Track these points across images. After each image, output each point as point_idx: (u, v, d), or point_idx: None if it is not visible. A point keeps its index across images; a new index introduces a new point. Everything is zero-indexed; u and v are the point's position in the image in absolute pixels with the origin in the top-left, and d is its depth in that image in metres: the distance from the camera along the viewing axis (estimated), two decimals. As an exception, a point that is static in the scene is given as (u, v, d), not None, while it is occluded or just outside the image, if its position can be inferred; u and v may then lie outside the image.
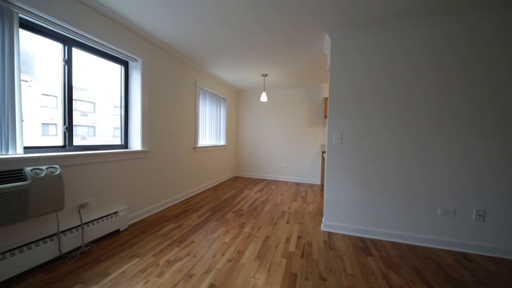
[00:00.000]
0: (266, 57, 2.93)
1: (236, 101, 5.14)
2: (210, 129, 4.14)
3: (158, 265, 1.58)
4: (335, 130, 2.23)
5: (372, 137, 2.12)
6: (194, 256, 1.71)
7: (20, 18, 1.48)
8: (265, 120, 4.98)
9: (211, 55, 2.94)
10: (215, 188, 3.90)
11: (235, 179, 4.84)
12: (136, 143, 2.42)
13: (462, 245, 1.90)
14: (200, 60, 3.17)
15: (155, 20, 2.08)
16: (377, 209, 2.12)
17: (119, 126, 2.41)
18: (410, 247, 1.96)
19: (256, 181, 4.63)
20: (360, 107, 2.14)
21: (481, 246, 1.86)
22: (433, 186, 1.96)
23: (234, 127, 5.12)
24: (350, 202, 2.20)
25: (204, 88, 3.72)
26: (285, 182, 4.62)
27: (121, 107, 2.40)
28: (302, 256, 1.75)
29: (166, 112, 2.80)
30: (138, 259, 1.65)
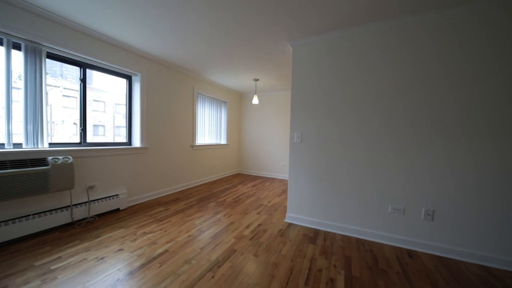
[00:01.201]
0: (250, 64, 3.24)
1: (238, 103, 5.53)
2: (210, 129, 4.61)
3: (135, 234, 2.05)
4: (296, 130, 2.43)
5: (328, 137, 2.26)
6: (165, 231, 2.14)
7: (48, 52, 2.12)
8: (264, 121, 5.26)
9: (203, 65, 3.38)
10: (213, 183, 4.35)
11: (236, 175, 5.23)
12: (137, 141, 3.00)
13: (409, 242, 1.93)
14: (196, 70, 3.64)
15: (147, 42, 2.59)
16: (332, 204, 2.26)
17: (125, 127, 3.02)
18: (359, 240, 2.06)
19: (254, 178, 4.95)
20: (317, 109, 2.31)
21: (428, 245, 1.87)
22: (385, 184, 2.03)
23: (236, 128, 5.52)
24: (309, 197, 2.38)
25: (202, 93, 4.20)
26: (281, 180, 4.83)
27: (126, 112, 3.00)
28: (251, 239, 2.04)
29: (163, 115, 3.33)
30: (124, 229, 2.16)
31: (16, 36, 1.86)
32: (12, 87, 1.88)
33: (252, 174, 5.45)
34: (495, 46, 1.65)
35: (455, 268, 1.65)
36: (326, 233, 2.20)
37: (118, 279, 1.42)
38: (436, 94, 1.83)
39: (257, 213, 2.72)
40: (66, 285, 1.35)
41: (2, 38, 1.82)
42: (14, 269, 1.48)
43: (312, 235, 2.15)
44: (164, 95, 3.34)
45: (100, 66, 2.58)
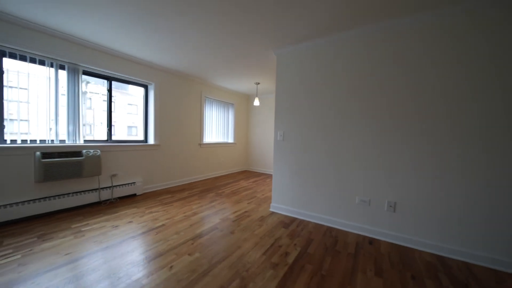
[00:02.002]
0: (248, 70, 3.62)
1: (246, 105, 5.94)
2: (217, 129, 5.09)
3: (144, 213, 2.57)
4: (279, 129, 2.73)
5: (306, 136, 2.52)
6: (166, 212, 2.63)
7: (84, 70, 2.77)
8: (268, 121, 5.58)
9: (208, 73, 3.86)
10: (218, 178, 4.82)
11: (243, 172, 5.64)
12: (151, 139, 3.59)
13: (373, 231, 2.10)
14: (203, 77, 4.14)
15: (159, 57, 3.14)
16: (309, 196, 2.51)
17: (143, 127, 3.63)
18: (328, 228, 2.29)
19: (259, 175, 5.29)
20: (296, 112, 2.58)
21: (389, 234, 2.02)
22: (353, 178, 2.22)
23: (244, 127, 5.93)
24: (290, 189, 2.65)
25: (210, 97, 4.69)
26: (284, 177, 5.09)
27: (143, 114, 3.61)
28: (233, 221, 2.40)
29: (174, 117, 3.89)
30: (136, 208, 2.70)
31: (61, 60, 2.52)
32: (59, 98, 2.54)
33: (258, 171, 5.80)
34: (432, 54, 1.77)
35: (407, 255, 1.80)
36: (301, 221, 2.46)
37: (123, 240, 1.91)
38: (399, 100, 1.99)
39: (248, 203, 3.08)
40: (89, 239, 1.88)
41: (52, 62, 2.48)
42: (57, 228, 2.08)
43: (288, 222, 2.43)
44: (175, 99, 3.89)
45: (123, 78, 3.20)
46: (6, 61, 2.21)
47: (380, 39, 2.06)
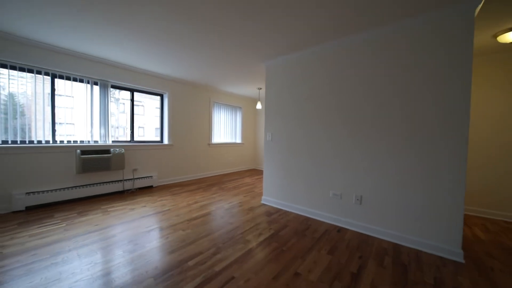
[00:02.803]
0: (248, 77, 4.03)
1: (253, 108, 6.35)
2: (226, 130, 5.59)
3: (156, 200, 3.14)
4: (268, 131, 3.08)
5: (290, 137, 2.84)
6: (174, 200, 3.16)
7: (112, 84, 3.45)
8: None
9: (215, 81, 4.36)
10: (225, 175, 5.30)
11: (250, 170, 6.05)
12: (166, 139, 4.20)
13: (343, 221, 2.35)
14: (211, 84, 4.66)
15: (172, 71, 3.72)
16: (292, 190, 2.82)
17: (159, 129, 4.27)
18: (306, 218, 2.58)
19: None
20: (283, 115, 2.91)
21: (356, 224, 2.26)
22: (329, 174, 2.49)
23: (252, 129, 6.35)
24: (277, 183, 2.99)
25: (218, 101, 5.21)
26: (286, 176, 5.38)
27: (159, 118, 4.25)
28: (226, 209, 2.83)
29: (185, 120, 4.47)
30: (150, 197, 3.29)
31: (95, 78, 3.21)
32: (94, 107, 3.24)
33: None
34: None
35: (366, 241, 2.04)
36: (285, 212, 2.79)
37: (136, 218, 2.46)
38: (359, 107, 2.23)
39: (244, 196, 3.49)
40: (112, 217, 2.47)
41: (89, 80, 3.18)
42: (91, 208, 2.73)
43: (273, 212, 2.78)
44: (186, 105, 4.47)
45: (142, 89, 3.85)
46: (57, 81, 2.94)
47: (343, 52, 2.31)
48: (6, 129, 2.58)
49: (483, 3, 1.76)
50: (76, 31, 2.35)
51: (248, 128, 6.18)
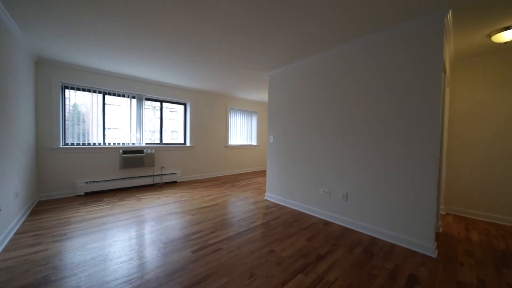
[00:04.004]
0: (257, 86, 4.47)
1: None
2: (242, 133, 6.09)
3: (177, 193, 3.78)
4: (271, 134, 3.45)
5: (289, 140, 3.16)
6: (191, 193, 3.75)
7: (145, 97, 4.25)
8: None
9: (230, 90, 4.91)
10: (240, 174, 5.79)
11: (265, 171, 6.43)
12: (188, 142, 4.89)
13: (331, 216, 2.57)
14: (227, 93, 5.23)
15: (193, 83, 4.39)
16: (289, 187, 3.13)
17: (183, 133, 4.99)
18: (300, 212, 2.86)
19: (277, 174, 5.98)
20: (283, 120, 3.25)
21: (342, 219, 2.46)
22: (319, 173, 2.74)
23: (267, 132, 6.72)
24: (277, 181, 3.33)
25: (234, 107, 5.76)
26: (298, 176, 5.61)
27: (183, 123, 4.97)
28: (232, 202, 3.28)
29: (204, 125, 5.11)
30: (174, 190, 3.95)
31: (133, 93, 4.03)
32: (131, 116, 4.05)
33: (278, 170, 6.48)
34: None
35: (346, 233, 2.25)
36: (282, 206, 3.11)
37: (161, 204, 3.08)
38: (348, 114, 2.45)
39: (251, 192, 3.90)
40: (143, 203, 3.14)
41: (128, 95, 4.02)
42: (128, 196, 3.48)
43: (272, 206, 3.13)
44: (205, 112, 5.12)
45: (169, 100, 4.61)
46: (107, 97, 3.82)
47: (334, 61, 2.56)
48: (72, 133, 3.50)
49: (451, 13, 1.87)
50: (122, 61, 3.12)
51: (263, 131, 6.59)
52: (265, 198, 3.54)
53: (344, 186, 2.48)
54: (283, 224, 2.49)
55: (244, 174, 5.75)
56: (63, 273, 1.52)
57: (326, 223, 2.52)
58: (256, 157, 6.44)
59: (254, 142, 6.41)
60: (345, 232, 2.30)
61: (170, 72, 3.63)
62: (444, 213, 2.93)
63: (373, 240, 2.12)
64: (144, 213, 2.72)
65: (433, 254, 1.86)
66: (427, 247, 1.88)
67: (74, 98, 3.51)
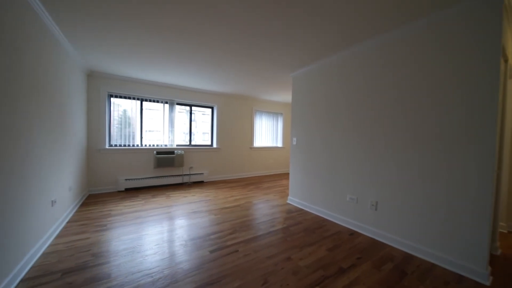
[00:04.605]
0: (282, 87, 4.42)
1: (295, 113, 6.57)
2: (267, 135, 6.07)
3: (203, 192, 3.95)
4: (294, 136, 3.35)
5: (312, 142, 3.02)
6: (216, 193, 3.88)
7: (177, 102, 4.57)
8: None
9: (255, 92, 4.96)
10: (265, 176, 5.76)
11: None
12: (215, 143, 5.09)
13: (357, 225, 2.35)
14: (252, 95, 5.29)
15: (220, 87, 4.56)
16: (313, 192, 2.98)
17: (209, 135, 5.21)
18: (324, 219, 2.70)
19: (303, 177, 5.78)
20: (306, 121, 3.13)
21: (370, 230, 2.22)
22: (345, 178, 2.54)
23: (293, 134, 6.57)
24: (300, 185, 3.20)
25: (259, 109, 5.78)
26: (326, 180, 5.32)
27: (210, 126, 5.19)
28: (253, 204, 3.28)
29: (230, 127, 5.25)
30: (200, 189, 4.15)
31: (166, 99, 4.38)
32: (164, 120, 4.41)
33: (305, 173, 6.26)
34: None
35: (375, 247, 2.03)
36: (305, 211, 2.98)
37: (187, 202, 3.26)
38: (379, 112, 2.22)
39: (274, 195, 3.84)
40: (172, 200, 3.37)
41: (162, 100, 4.38)
42: (160, 193, 3.77)
43: (294, 210, 3.03)
44: (231, 114, 5.26)
45: (198, 104, 4.87)
46: (144, 103, 4.23)
47: (356, 57, 2.35)
48: (115, 136, 3.98)
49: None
50: (158, 70, 3.42)
51: (289, 132, 6.45)
52: (288, 201, 3.45)
53: (373, 194, 2.25)
54: (304, 230, 2.38)
55: (268, 176, 5.71)
56: (99, 261, 1.72)
57: (352, 233, 2.32)
58: (281, 159, 6.33)
59: (279, 144, 6.32)
60: (373, 244, 2.08)
61: (198, 77, 3.83)
62: (506, 231, 2.42)
63: (408, 257, 1.87)
64: (172, 210, 2.92)
65: (486, 281, 1.54)
66: (478, 272, 1.57)
67: (118, 105, 3.99)
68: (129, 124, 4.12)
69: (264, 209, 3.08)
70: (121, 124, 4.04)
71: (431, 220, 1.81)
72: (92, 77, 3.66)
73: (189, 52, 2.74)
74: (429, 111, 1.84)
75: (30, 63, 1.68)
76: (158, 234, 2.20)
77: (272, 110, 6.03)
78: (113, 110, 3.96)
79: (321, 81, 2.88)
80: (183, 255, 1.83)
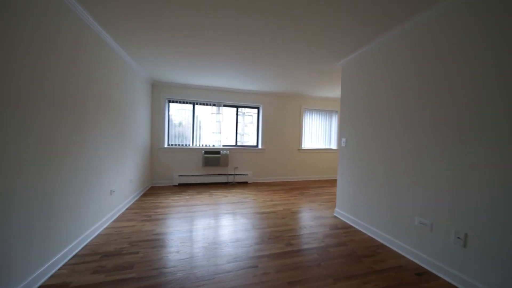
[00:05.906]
0: (332, 81, 3.84)
1: (354, 110, 5.64)
2: (318, 135, 5.47)
3: (244, 193, 3.90)
4: (343, 136, 2.78)
5: (366, 142, 2.40)
6: (256, 195, 3.75)
7: (224, 104, 4.75)
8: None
9: (303, 89, 4.56)
10: (314, 181, 5.18)
11: (347, 180, 5.42)
12: (260, 144, 4.99)
13: (430, 263, 1.62)
14: (301, 92, 4.88)
15: (265, 87, 4.45)
16: (367, 205, 2.35)
17: (255, 135, 5.16)
18: (380, 245, 2.06)
19: (362, 185, 4.86)
20: (358, 117, 2.52)
21: (451, 273, 1.48)
22: (413, 193, 1.85)
23: (351, 134, 5.65)
24: (351, 196, 2.61)
25: (309, 108, 5.27)
26: (393, 192, 4.25)
27: (256, 127, 5.13)
28: (292, 212, 2.93)
29: (276, 127, 5.02)
30: (242, 190, 4.12)
31: (213, 101, 4.62)
32: (212, 121, 4.66)
33: (365, 181, 5.25)
34: None
35: (462, 303, 1.32)
36: (355, 230, 2.38)
37: (225, 202, 3.27)
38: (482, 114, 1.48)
39: (319, 204, 3.34)
40: (214, 198, 3.47)
41: (210, 103, 4.64)
42: (204, 191, 3.98)
43: (340, 227, 2.48)
44: (277, 114, 5.03)
45: (244, 105, 4.91)
46: (196, 106, 4.61)
47: (435, 31, 1.62)
48: (172, 137, 4.50)
49: None
50: (209, 75, 3.65)
51: (346, 133, 5.59)
52: (334, 214, 2.90)
53: (459, 219, 1.51)
54: (347, 255, 1.88)
55: (317, 181, 5.12)
56: (131, 249, 1.87)
57: (421, 273, 1.64)
58: (335, 163, 5.56)
59: (333, 146, 5.58)
60: (458, 298, 1.38)
61: (245, 78, 3.82)
62: None
63: (529, 338, 1.11)
64: (209, 209, 2.97)
65: None
66: None
67: (174, 109, 4.51)
68: (183, 125, 4.58)
69: (303, 219, 2.69)
70: (177, 126, 4.54)
71: None
72: (155, 86, 4.27)
73: (250, 59, 2.84)
74: None
75: (95, 82, 2.03)
76: (187, 232, 2.24)
77: (324, 108, 5.39)
78: (171, 114, 4.50)
79: (380, 64, 2.25)
80: (201, 259, 1.75)
